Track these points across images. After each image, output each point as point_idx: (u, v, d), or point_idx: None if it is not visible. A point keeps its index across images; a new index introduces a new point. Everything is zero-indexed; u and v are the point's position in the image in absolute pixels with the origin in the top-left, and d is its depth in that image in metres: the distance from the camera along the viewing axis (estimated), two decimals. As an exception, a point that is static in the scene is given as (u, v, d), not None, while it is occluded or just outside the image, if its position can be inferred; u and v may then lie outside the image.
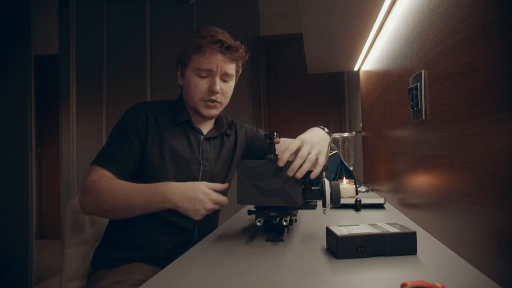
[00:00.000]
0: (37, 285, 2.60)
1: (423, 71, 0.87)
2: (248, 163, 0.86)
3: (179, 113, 1.10)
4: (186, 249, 1.04)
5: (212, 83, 1.05)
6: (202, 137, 1.13)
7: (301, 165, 0.83)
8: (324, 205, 0.86)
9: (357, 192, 1.50)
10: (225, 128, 1.19)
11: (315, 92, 3.60)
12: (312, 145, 0.87)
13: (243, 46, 1.10)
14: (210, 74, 1.05)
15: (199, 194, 0.88)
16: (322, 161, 0.87)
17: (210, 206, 0.89)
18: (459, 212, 0.68)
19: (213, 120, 1.17)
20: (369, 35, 1.47)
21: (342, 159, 1.75)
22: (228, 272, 0.66)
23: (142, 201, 0.92)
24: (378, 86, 1.53)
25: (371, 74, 1.70)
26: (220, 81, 1.07)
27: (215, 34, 1.05)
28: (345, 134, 1.88)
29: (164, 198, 0.89)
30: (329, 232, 0.76)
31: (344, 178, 1.57)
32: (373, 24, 1.35)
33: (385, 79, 1.36)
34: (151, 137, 1.04)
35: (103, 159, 1.01)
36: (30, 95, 2.27)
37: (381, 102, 1.46)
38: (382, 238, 0.70)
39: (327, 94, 3.60)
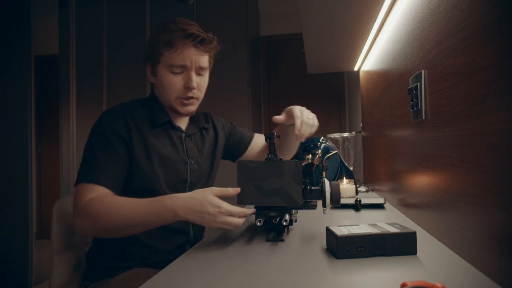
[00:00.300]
0: (37, 285, 2.60)
1: (423, 71, 0.87)
2: (248, 163, 0.86)
3: (158, 114, 1.05)
4: (184, 250, 1.03)
5: (188, 80, 1.00)
6: (183, 135, 1.09)
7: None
8: (324, 205, 0.86)
9: (357, 192, 1.50)
10: (202, 122, 1.15)
11: (315, 92, 3.60)
12: (307, 111, 1.01)
13: (215, 36, 1.04)
14: (184, 70, 1.00)
15: (208, 207, 0.80)
16: (317, 122, 1.02)
17: (221, 219, 0.80)
18: (459, 212, 0.68)
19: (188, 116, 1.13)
20: (369, 35, 1.47)
21: (342, 159, 1.75)
22: (228, 272, 0.66)
23: (150, 219, 0.85)
24: (378, 86, 1.53)
25: (371, 74, 1.70)
26: (195, 75, 1.01)
27: (186, 27, 0.98)
28: (345, 134, 1.88)
29: (173, 213, 0.83)
30: (329, 232, 0.76)
31: (344, 178, 1.57)
32: (373, 24, 1.35)
33: (385, 79, 1.36)
34: (136, 142, 0.98)
35: (93, 175, 0.92)
36: (30, 95, 2.27)
37: (381, 102, 1.46)
38: (382, 238, 0.70)
39: (327, 94, 3.60)
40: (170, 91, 1.01)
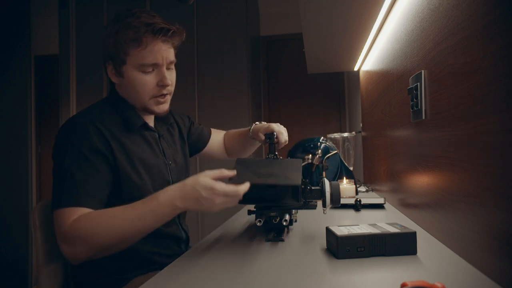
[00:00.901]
0: (37, 285, 2.60)
1: (423, 71, 0.87)
2: (247, 159, 0.87)
3: (132, 117, 0.98)
4: (181, 250, 1.03)
5: (162, 77, 0.94)
6: (157, 136, 1.05)
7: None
8: (324, 205, 0.86)
9: (357, 192, 1.50)
10: (169, 118, 1.11)
11: (315, 92, 3.60)
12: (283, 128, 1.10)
13: (182, 27, 0.98)
14: (155, 67, 0.94)
15: (201, 190, 0.75)
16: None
17: (219, 201, 0.75)
18: (459, 212, 0.68)
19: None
20: (369, 35, 1.47)
21: (342, 159, 1.75)
22: (228, 272, 0.66)
23: (149, 220, 0.80)
24: (378, 86, 1.53)
25: (371, 74, 1.70)
26: (166, 71, 0.96)
27: (152, 21, 0.91)
28: (345, 134, 1.88)
29: (172, 207, 0.78)
30: (329, 232, 0.76)
31: (344, 178, 1.57)
32: (373, 24, 1.35)
33: (385, 79, 1.36)
34: (118, 153, 0.91)
35: (74, 198, 0.82)
36: (30, 95, 2.27)
37: (381, 102, 1.46)
38: (382, 238, 0.69)
39: (327, 94, 3.59)
40: (143, 92, 0.95)
